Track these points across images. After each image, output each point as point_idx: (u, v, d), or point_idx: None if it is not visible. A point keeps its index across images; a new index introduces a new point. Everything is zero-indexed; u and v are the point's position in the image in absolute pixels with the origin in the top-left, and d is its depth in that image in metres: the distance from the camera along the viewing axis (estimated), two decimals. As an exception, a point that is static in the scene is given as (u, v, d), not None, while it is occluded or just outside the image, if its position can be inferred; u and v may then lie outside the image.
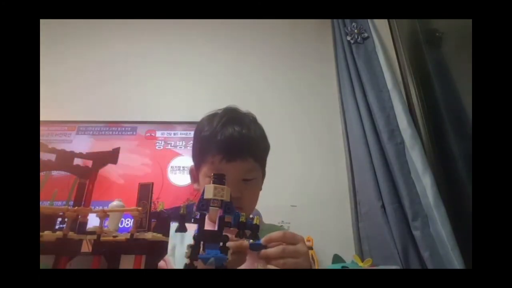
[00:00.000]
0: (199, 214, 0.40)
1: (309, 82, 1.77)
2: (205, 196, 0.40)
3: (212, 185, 0.40)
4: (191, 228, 0.41)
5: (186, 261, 0.38)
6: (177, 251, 0.64)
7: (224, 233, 0.41)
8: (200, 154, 0.69)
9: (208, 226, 0.41)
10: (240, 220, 0.41)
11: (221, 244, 0.40)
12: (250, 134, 0.67)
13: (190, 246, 0.39)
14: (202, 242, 0.39)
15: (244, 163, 0.64)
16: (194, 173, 0.72)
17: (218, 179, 0.41)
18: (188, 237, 0.67)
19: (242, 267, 0.55)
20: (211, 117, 0.70)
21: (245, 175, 0.65)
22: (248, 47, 1.87)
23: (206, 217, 0.41)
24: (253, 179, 0.67)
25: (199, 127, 0.72)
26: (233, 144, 0.64)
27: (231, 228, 0.41)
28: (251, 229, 0.42)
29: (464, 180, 1.27)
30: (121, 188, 1.44)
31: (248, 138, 0.66)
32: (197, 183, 0.72)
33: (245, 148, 0.65)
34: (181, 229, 0.40)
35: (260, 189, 0.73)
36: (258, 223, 0.42)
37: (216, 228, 0.41)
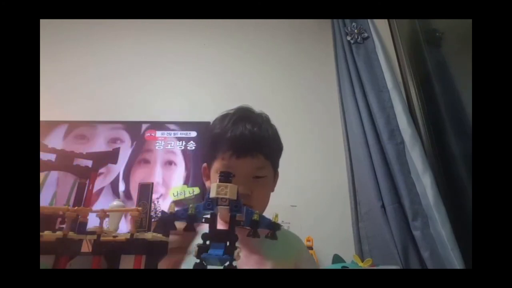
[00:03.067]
0: (210, 213, 0.40)
1: (309, 82, 1.77)
2: (210, 195, 0.40)
3: (215, 184, 0.40)
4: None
5: (196, 260, 0.38)
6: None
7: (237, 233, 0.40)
8: (211, 151, 0.70)
9: (220, 226, 0.40)
10: (253, 218, 0.40)
11: (228, 243, 0.39)
12: (261, 133, 0.67)
13: (198, 246, 0.39)
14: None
15: (254, 160, 0.65)
16: (207, 171, 0.73)
17: (224, 177, 0.40)
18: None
19: (246, 266, 0.55)
20: (223, 116, 0.71)
21: (256, 172, 0.65)
22: (248, 47, 1.86)
23: (217, 216, 0.40)
24: (264, 177, 0.67)
25: (211, 125, 0.73)
26: (243, 140, 0.65)
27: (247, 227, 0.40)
28: (268, 227, 0.40)
29: (464, 180, 1.27)
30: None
31: (258, 136, 0.66)
32: (209, 181, 0.73)
33: (255, 144, 0.65)
34: (189, 228, 0.39)
35: (272, 190, 0.73)
36: (277, 221, 0.40)
37: (228, 227, 0.40)
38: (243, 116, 0.69)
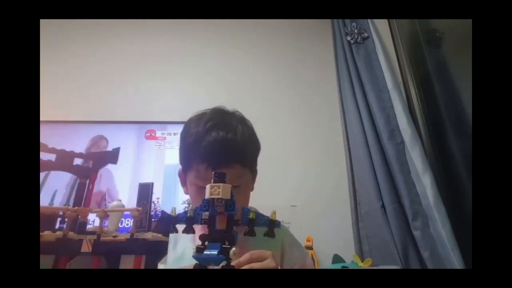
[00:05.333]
0: (208, 215, 0.40)
1: (309, 82, 1.77)
2: (205, 197, 0.40)
3: (208, 185, 0.40)
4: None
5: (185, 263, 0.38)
6: (170, 257, 0.64)
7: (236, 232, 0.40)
8: (185, 160, 0.67)
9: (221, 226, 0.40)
10: (249, 217, 0.40)
11: (226, 243, 0.39)
12: (237, 139, 0.64)
13: (196, 247, 0.39)
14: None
15: (231, 170, 0.61)
16: (182, 177, 0.70)
17: (218, 177, 0.40)
18: (180, 242, 0.67)
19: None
20: (197, 120, 0.68)
21: (232, 182, 0.63)
22: (248, 47, 1.86)
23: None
24: (241, 185, 0.65)
25: (185, 130, 0.69)
26: (218, 152, 0.62)
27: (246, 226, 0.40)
28: (266, 225, 0.40)
29: (464, 180, 1.27)
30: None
31: (234, 144, 0.63)
32: (185, 187, 0.70)
33: (231, 155, 0.62)
34: (189, 230, 0.40)
35: (252, 189, 0.71)
36: (274, 218, 0.40)
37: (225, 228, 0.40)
38: (217, 122, 0.65)
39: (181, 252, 0.65)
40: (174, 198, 1.38)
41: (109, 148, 1.51)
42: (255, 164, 0.72)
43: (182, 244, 0.67)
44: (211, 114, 0.68)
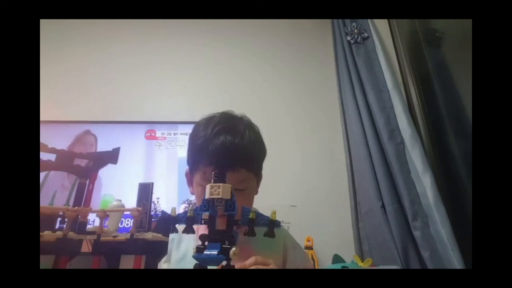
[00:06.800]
0: (208, 215, 0.40)
1: (309, 82, 1.77)
2: (205, 197, 0.40)
3: (208, 185, 0.40)
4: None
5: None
6: (173, 257, 0.64)
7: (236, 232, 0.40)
8: (193, 161, 0.69)
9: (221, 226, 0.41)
10: (249, 217, 0.40)
11: (226, 243, 0.39)
12: (243, 143, 0.65)
13: (196, 247, 0.39)
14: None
15: (235, 174, 0.63)
16: (189, 177, 0.72)
17: (218, 177, 0.41)
18: (184, 242, 0.68)
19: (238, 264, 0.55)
20: (206, 123, 0.69)
21: (238, 185, 0.64)
22: (248, 47, 1.86)
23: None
24: (246, 189, 0.66)
25: (193, 132, 0.71)
26: (225, 155, 0.63)
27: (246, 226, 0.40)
28: (266, 225, 0.40)
29: (464, 180, 1.27)
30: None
31: (240, 148, 0.65)
32: (191, 187, 0.72)
33: (237, 159, 0.64)
34: (189, 230, 0.40)
35: (256, 193, 0.73)
36: (274, 218, 0.40)
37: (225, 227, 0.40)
38: (225, 126, 0.67)
39: (184, 252, 0.66)
40: (176, 198, 1.38)
41: (99, 145, 1.51)
42: (260, 169, 0.73)
43: (185, 244, 0.68)
44: (219, 118, 0.70)
